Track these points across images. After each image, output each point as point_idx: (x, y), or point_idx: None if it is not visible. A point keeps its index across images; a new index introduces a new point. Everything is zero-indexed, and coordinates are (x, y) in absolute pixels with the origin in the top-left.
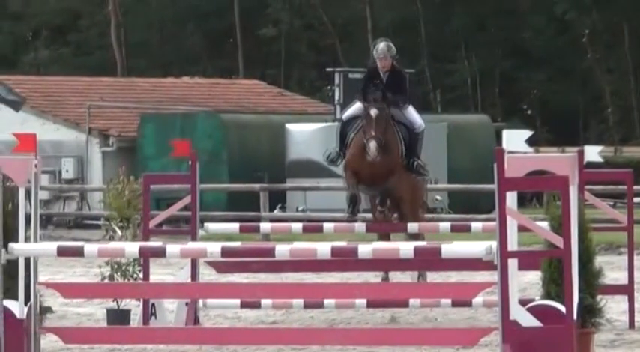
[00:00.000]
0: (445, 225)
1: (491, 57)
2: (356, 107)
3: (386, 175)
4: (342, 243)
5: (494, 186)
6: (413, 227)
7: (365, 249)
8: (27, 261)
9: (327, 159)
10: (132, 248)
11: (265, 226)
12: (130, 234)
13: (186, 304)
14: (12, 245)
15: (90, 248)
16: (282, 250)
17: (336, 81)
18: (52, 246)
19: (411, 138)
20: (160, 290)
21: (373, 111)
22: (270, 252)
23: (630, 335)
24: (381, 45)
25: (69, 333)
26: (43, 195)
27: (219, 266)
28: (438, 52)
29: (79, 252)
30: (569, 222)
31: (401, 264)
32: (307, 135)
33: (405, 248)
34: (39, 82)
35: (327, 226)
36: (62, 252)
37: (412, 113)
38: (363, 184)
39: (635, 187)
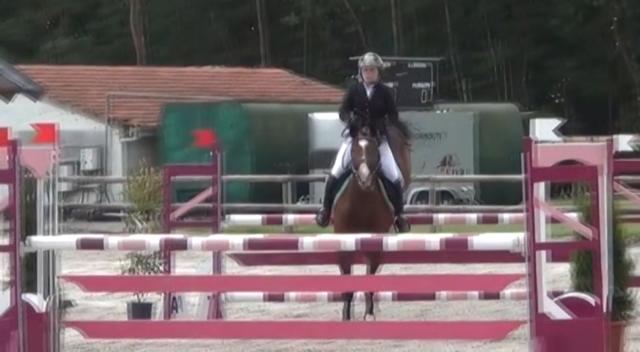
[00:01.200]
0: (473, 217)
1: (519, 44)
2: (340, 157)
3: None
4: (368, 235)
5: (522, 177)
6: (438, 218)
7: (392, 241)
8: (47, 253)
9: (316, 222)
10: (154, 240)
11: (289, 218)
12: (151, 227)
13: (209, 297)
14: (31, 238)
15: (111, 240)
16: (307, 242)
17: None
18: (72, 239)
19: (396, 192)
20: (182, 283)
21: (362, 142)
22: (295, 244)
23: None
24: (369, 56)
25: (90, 327)
26: (63, 186)
27: (242, 259)
28: (464, 40)
29: (99, 245)
30: (600, 213)
31: (428, 256)
32: (332, 125)
33: (433, 239)
34: (58, 72)
35: None
36: (83, 245)
37: (391, 165)
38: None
39: None
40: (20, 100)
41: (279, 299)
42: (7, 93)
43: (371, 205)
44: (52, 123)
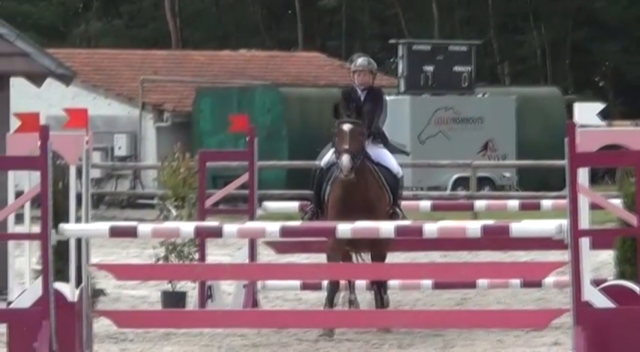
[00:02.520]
0: (514, 203)
1: (562, 27)
2: (332, 150)
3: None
4: (407, 222)
5: (565, 162)
6: (478, 205)
7: (430, 228)
8: (78, 241)
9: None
10: (187, 228)
11: None
12: (185, 214)
13: (244, 286)
14: (62, 225)
15: (144, 228)
16: (344, 229)
17: (400, 53)
18: (104, 227)
19: (395, 182)
20: (216, 271)
21: (346, 126)
22: (332, 232)
23: None
24: (360, 59)
25: (122, 317)
26: (95, 173)
27: (278, 247)
28: (506, 23)
29: (132, 233)
30: None
31: (469, 244)
32: None
33: (473, 227)
34: (90, 56)
35: None
36: (115, 233)
37: (389, 158)
38: (350, 245)
39: None
40: (51, 85)
41: (316, 287)
42: (38, 78)
43: (364, 191)
44: (84, 108)
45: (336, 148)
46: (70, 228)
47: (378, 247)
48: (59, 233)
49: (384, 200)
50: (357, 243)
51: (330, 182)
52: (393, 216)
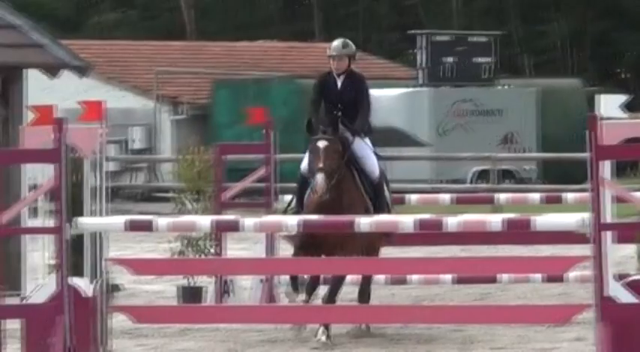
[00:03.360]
0: (535, 196)
1: (584, 17)
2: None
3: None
4: (427, 215)
5: (587, 155)
6: (499, 198)
7: (452, 221)
8: (94, 235)
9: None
10: (204, 222)
11: None
12: (201, 208)
13: (262, 281)
14: (78, 219)
15: (160, 222)
16: (364, 223)
17: (419, 44)
18: (120, 220)
19: (375, 190)
20: (234, 266)
21: (321, 143)
22: (351, 225)
23: None
24: (335, 42)
25: (139, 312)
26: (110, 166)
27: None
28: (527, 13)
29: (148, 226)
30: None
31: (490, 237)
32: (389, 102)
33: (494, 220)
34: (104, 47)
35: (412, 198)
36: (131, 226)
37: (368, 157)
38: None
39: None
40: (66, 77)
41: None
42: (52, 70)
43: (343, 200)
44: (99, 101)
45: (310, 167)
46: (86, 222)
47: (348, 249)
48: (75, 227)
49: (362, 210)
50: (324, 245)
51: (310, 191)
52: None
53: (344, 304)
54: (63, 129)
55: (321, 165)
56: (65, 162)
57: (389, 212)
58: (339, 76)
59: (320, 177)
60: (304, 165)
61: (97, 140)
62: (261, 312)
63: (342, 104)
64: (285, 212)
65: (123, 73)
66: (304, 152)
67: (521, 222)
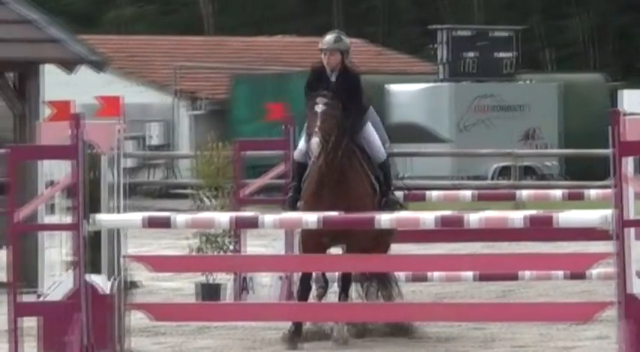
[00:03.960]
0: (557, 193)
1: (607, 11)
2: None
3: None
4: (449, 212)
5: (610, 151)
6: (521, 194)
7: (473, 218)
8: (111, 232)
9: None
10: (223, 218)
11: None
12: (220, 204)
13: (281, 278)
14: (96, 216)
15: (178, 218)
16: (385, 220)
17: (440, 38)
18: (138, 217)
19: (382, 170)
20: (253, 263)
21: (319, 106)
22: (372, 222)
23: None
24: (328, 36)
25: (157, 310)
26: (128, 162)
27: None
28: (549, 7)
29: (166, 223)
30: None
31: (512, 234)
32: (410, 97)
33: (516, 217)
34: (123, 42)
35: (432, 194)
36: (149, 223)
37: (371, 134)
38: (327, 235)
39: None
40: (83, 72)
41: (356, 279)
42: (70, 65)
43: (345, 183)
44: (117, 96)
45: (308, 130)
46: (104, 219)
47: (355, 241)
48: (92, 223)
49: (366, 191)
50: (333, 235)
51: (307, 175)
52: (386, 205)
53: (363, 302)
54: (80, 124)
55: (317, 128)
56: (83, 159)
57: (394, 195)
58: (332, 72)
59: (315, 140)
60: (297, 151)
61: (114, 136)
62: (280, 310)
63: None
64: (286, 193)
65: (141, 68)
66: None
67: (543, 218)
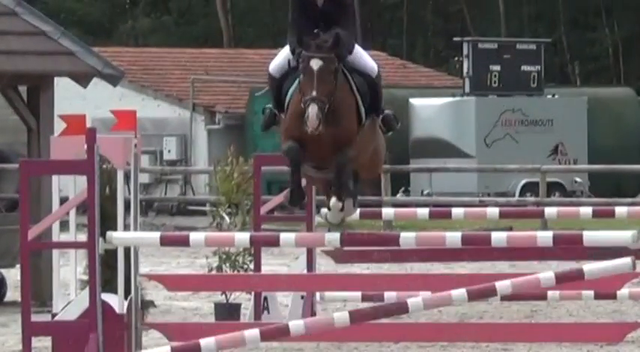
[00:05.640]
0: (586, 210)
1: (636, 23)
2: (286, 54)
3: (340, 149)
4: (473, 232)
5: None
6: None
7: (499, 236)
8: (127, 250)
9: (262, 126)
10: (242, 236)
11: (388, 212)
12: (239, 221)
13: (302, 297)
14: (111, 233)
15: (196, 236)
16: (408, 238)
17: (465, 51)
18: (154, 235)
19: (371, 89)
20: (272, 282)
21: (315, 63)
22: (395, 240)
23: None
24: None
25: (173, 329)
26: (143, 178)
27: (337, 256)
28: (577, 19)
29: (184, 241)
30: None
31: (539, 253)
32: (433, 111)
33: (544, 235)
34: (138, 54)
35: (457, 211)
36: (166, 241)
37: (361, 54)
38: (311, 162)
39: None
40: (98, 85)
41: (378, 298)
42: (84, 78)
43: (336, 121)
44: (132, 110)
45: (302, 90)
46: (119, 237)
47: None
48: (107, 241)
49: (351, 113)
50: (318, 158)
51: (292, 89)
52: (384, 121)
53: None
54: (95, 139)
55: (314, 92)
56: (97, 174)
57: (383, 112)
58: None
59: (313, 109)
60: (277, 68)
61: (130, 151)
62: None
63: (324, 24)
64: (262, 112)
65: (157, 81)
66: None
67: (572, 237)
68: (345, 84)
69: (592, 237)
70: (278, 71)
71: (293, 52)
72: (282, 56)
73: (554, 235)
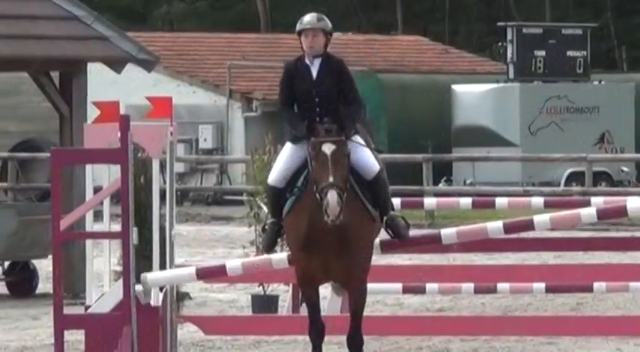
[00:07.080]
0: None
1: None
2: (288, 155)
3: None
4: (514, 219)
5: None
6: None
7: (542, 219)
8: (162, 241)
9: (265, 248)
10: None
11: (430, 201)
12: None
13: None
14: (144, 275)
15: (233, 264)
16: (449, 235)
17: (509, 36)
18: (189, 271)
19: (378, 189)
20: None
21: (327, 147)
22: (436, 240)
23: None
24: (308, 16)
25: (209, 323)
26: (179, 167)
27: (381, 246)
28: (624, 4)
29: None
30: None
31: (584, 244)
32: (476, 98)
33: (587, 212)
34: (173, 39)
35: (500, 201)
36: (202, 275)
37: (364, 157)
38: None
39: None
40: (132, 71)
41: (419, 291)
42: (118, 63)
43: (345, 227)
44: (168, 97)
45: (317, 177)
46: (153, 278)
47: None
48: (142, 283)
49: (367, 221)
50: (330, 270)
51: (295, 200)
52: (389, 225)
53: (429, 314)
54: (129, 127)
55: (331, 178)
56: (131, 163)
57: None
58: (313, 59)
59: (333, 196)
60: (277, 178)
61: (165, 139)
62: (339, 323)
63: (319, 98)
64: (262, 230)
65: (193, 67)
66: (386, 151)
67: (616, 209)
68: (354, 195)
69: (637, 207)
70: (278, 179)
71: (293, 140)
72: (280, 166)
73: (598, 210)
